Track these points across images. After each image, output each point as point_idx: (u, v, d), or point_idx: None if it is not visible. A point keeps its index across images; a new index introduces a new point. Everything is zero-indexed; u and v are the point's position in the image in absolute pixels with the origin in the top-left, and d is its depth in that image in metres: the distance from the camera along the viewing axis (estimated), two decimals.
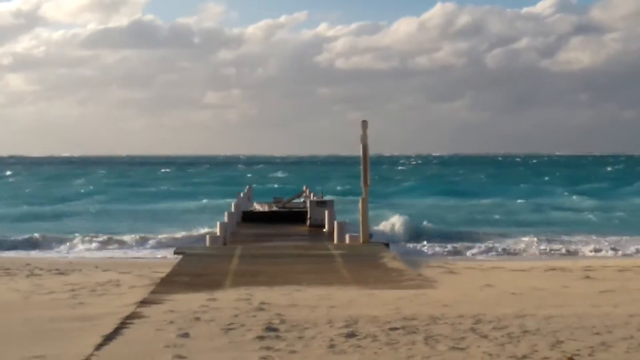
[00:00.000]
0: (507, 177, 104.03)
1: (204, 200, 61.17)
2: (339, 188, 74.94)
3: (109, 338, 12.08)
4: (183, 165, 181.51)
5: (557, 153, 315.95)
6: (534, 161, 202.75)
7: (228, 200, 58.66)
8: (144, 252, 32.71)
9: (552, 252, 31.56)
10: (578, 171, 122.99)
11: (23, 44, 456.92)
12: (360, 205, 26.76)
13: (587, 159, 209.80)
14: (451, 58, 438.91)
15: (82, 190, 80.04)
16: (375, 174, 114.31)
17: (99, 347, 11.49)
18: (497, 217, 48.25)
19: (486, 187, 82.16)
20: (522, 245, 33.16)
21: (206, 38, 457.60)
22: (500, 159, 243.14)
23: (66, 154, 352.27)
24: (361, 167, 26.50)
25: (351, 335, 12.18)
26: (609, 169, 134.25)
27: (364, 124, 26.16)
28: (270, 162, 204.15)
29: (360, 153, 26.31)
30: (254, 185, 58.64)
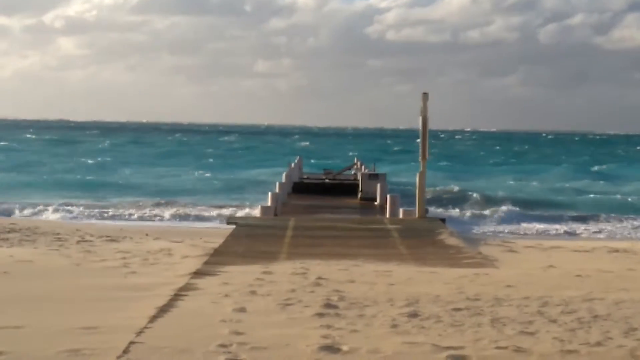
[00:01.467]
0: (530, 155, 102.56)
1: (179, 176, 58.61)
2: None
3: (163, 310, 11.68)
4: (221, 133, 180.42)
5: (608, 132, 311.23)
6: (576, 139, 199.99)
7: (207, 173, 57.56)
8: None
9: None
10: (613, 150, 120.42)
11: (75, 8, 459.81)
12: (417, 179, 26.16)
13: (634, 138, 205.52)
14: (503, 32, 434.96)
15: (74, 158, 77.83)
16: (400, 146, 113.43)
17: (153, 319, 11.09)
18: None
19: (495, 165, 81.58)
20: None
21: (257, 6, 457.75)
22: (546, 135, 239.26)
23: (109, 120, 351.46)
24: (420, 140, 25.91)
25: (413, 315, 11.66)
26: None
27: (425, 96, 25.47)
28: (308, 133, 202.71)
29: (420, 126, 25.70)
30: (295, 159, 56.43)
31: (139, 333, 10.26)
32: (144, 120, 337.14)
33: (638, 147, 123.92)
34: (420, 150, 26.05)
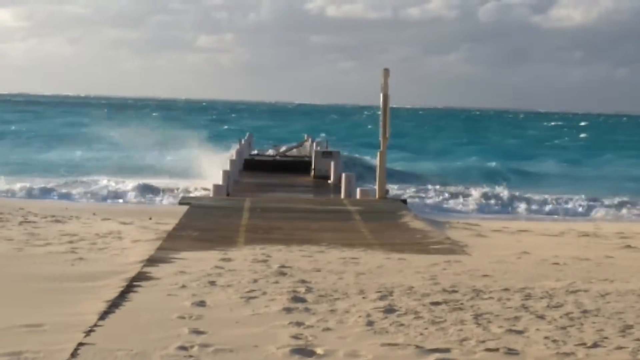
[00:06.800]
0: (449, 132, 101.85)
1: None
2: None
3: (114, 304, 10.55)
4: (159, 108, 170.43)
5: (541, 110, 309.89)
6: (510, 116, 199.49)
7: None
8: None
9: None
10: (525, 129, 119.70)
11: None
12: (378, 158, 25.13)
13: (553, 117, 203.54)
14: (443, 10, 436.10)
15: None
16: (323, 123, 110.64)
17: (104, 315, 9.98)
18: None
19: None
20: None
21: None
22: (478, 113, 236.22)
23: (47, 93, 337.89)
24: (380, 118, 24.89)
25: (389, 310, 10.67)
26: (546, 123, 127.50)
27: (386, 72, 24.41)
28: (239, 109, 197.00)
29: (380, 103, 24.68)
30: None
31: (89, 332, 9.18)
32: (93, 94, 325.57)
33: (547, 123, 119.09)
34: (380, 129, 25.04)
